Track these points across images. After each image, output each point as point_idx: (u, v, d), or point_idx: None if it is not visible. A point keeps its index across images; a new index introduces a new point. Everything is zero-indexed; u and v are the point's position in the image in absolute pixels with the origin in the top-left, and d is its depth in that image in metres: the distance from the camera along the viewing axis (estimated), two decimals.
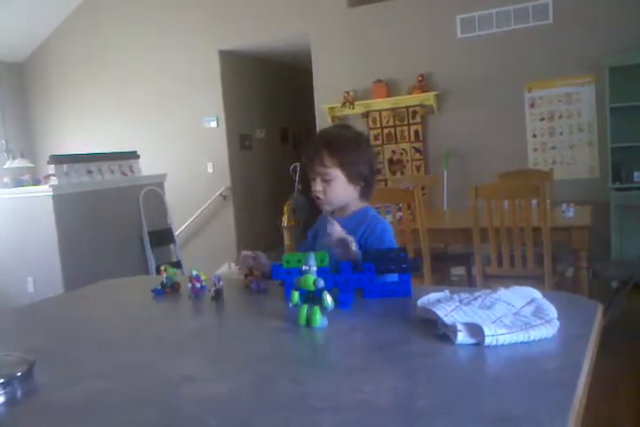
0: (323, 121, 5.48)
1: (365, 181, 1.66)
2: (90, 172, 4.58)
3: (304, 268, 1.20)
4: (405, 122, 5.26)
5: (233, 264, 5.98)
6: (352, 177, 1.63)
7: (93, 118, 6.85)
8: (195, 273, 1.51)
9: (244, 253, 1.59)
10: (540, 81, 4.71)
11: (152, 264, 4.79)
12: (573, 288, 3.03)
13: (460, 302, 1.11)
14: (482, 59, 4.89)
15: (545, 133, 4.77)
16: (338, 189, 1.62)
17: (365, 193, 1.69)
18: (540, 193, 2.88)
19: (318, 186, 1.63)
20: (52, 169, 4.35)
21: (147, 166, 5.27)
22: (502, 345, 0.97)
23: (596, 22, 4.47)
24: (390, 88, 5.25)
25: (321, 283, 1.16)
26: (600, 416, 2.36)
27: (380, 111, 5.34)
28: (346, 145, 1.62)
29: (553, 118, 4.73)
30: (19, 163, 5.67)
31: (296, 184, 5.44)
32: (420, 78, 5.06)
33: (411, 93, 5.12)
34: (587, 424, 0.85)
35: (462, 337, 0.99)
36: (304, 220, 5.18)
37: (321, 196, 1.64)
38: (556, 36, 4.61)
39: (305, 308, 1.17)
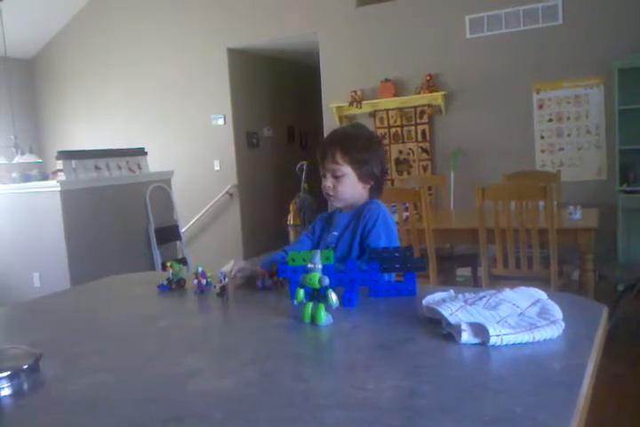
0: (330, 120, 5.48)
1: (375, 180, 1.68)
2: (97, 168, 4.60)
3: (309, 266, 1.20)
4: (413, 122, 5.25)
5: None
6: (362, 175, 1.66)
7: (102, 115, 6.88)
8: (200, 269, 1.52)
9: (242, 264, 1.58)
10: (548, 82, 4.69)
11: (158, 261, 4.81)
12: (579, 291, 3.02)
13: (465, 301, 1.11)
14: (490, 59, 4.87)
15: (553, 135, 4.75)
16: (347, 185, 1.66)
17: (375, 192, 1.72)
18: (547, 195, 2.87)
19: (329, 182, 1.67)
20: (59, 165, 4.37)
21: (154, 163, 5.29)
22: (507, 345, 0.97)
23: (605, 24, 4.45)
24: (398, 88, 5.24)
25: (326, 281, 1.16)
26: (603, 418, 2.35)
27: (387, 111, 5.33)
28: (359, 144, 1.65)
29: (561, 120, 4.71)
30: (27, 158, 5.69)
31: (302, 183, 5.44)
32: (428, 78, 5.05)
33: (418, 93, 5.11)
34: (590, 426, 0.85)
35: (467, 337, 0.99)
36: (309, 219, 5.18)
37: (331, 192, 1.68)
38: (565, 37, 4.59)
39: (310, 305, 1.17)
